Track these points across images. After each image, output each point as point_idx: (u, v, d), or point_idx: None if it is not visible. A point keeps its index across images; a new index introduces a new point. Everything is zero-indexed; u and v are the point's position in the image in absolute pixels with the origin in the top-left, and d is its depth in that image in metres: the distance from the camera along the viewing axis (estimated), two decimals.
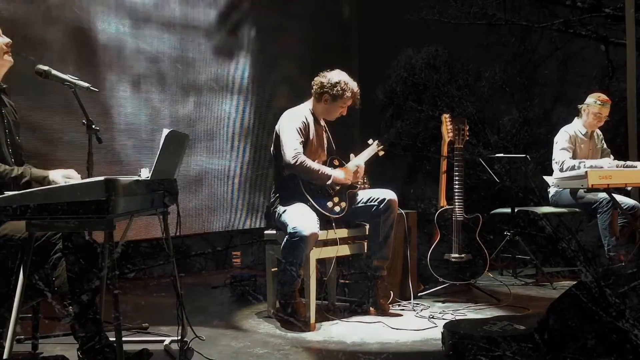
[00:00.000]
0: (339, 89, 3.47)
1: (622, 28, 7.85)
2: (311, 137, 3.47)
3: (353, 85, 3.52)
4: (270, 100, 5.47)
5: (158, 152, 2.32)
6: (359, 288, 3.72)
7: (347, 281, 3.87)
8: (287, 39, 5.63)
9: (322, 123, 3.64)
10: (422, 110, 7.95)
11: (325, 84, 3.49)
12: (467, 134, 3.97)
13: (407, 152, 7.95)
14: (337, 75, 3.51)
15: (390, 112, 8.20)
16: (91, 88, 2.59)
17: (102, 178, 2.08)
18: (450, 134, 3.98)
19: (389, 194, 3.49)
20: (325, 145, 3.63)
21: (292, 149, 3.31)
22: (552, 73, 8.12)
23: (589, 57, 8.04)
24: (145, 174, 2.37)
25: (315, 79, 3.56)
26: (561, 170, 4.41)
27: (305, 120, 3.44)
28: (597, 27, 7.96)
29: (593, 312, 2.18)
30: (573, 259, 4.78)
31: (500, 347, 2.38)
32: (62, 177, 2.39)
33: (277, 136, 3.45)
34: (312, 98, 3.58)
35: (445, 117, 4.03)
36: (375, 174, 3.78)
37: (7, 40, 2.56)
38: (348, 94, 3.49)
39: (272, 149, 3.53)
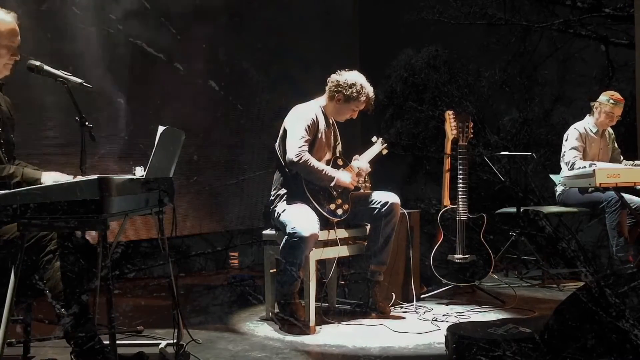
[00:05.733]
0: (354, 91, 3.39)
1: (622, 28, 7.84)
2: (319, 135, 3.39)
3: (369, 90, 3.44)
4: (269, 99, 5.42)
5: (153, 150, 2.26)
6: (359, 289, 3.65)
7: (347, 282, 3.79)
8: (288, 38, 5.58)
9: (332, 121, 3.56)
10: (422, 110, 7.92)
11: (341, 83, 3.41)
12: (472, 131, 3.91)
13: (407, 152, 7.91)
14: (354, 77, 3.43)
15: (390, 112, 8.17)
16: (84, 84, 2.53)
17: (95, 177, 2.04)
18: (454, 131, 3.91)
19: (392, 197, 3.42)
20: (332, 145, 3.55)
21: (296, 146, 3.24)
22: (552, 73, 8.10)
23: (589, 57, 8.02)
24: (140, 172, 2.30)
25: (332, 76, 3.47)
26: (571, 170, 4.34)
27: (314, 118, 3.36)
28: (597, 27, 7.95)
29: (593, 312, 2.15)
30: (573, 259, 4.73)
31: (500, 347, 2.35)
32: (54, 180, 2.32)
33: (285, 131, 3.37)
34: (325, 95, 3.50)
35: (449, 114, 3.96)
36: (376, 174, 3.72)
37: (18, 42, 2.49)
38: (362, 97, 3.41)
39: (276, 144, 3.44)
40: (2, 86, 2.60)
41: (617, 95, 4.53)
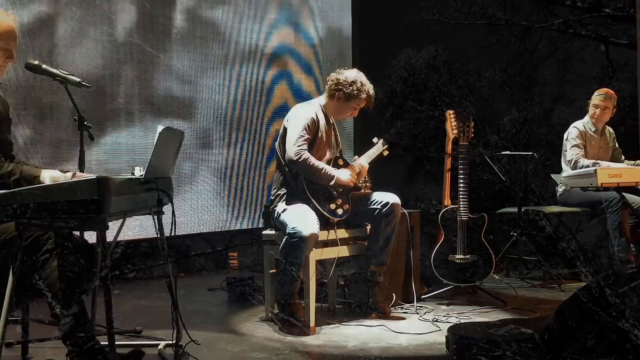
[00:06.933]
0: (355, 88, 3.38)
1: (622, 28, 7.85)
2: (319, 134, 3.37)
3: (369, 87, 3.43)
4: (268, 97, 5.40)
5: (152, 150, 2.24)
6: (359, 289, 3.64)
7: (347, 282, 3.78)
8: (286, 36, 5.57)
9: (332, 121, 3.55)
10: (422, 110, 7.92)
11: (341, 81, 3.39)
12: (472, 130, 3.89)
13: (407, 152, 7.91)
14: (354, 75, 3.42)
15: (390, 112, 8.17)
16: (83, 83, 2.52)
17: (94, 176, 2.03)
18: (455, 131, 3.89)
19: (392, 198, 3.40)
20: (332, 144, 3.53)
21: (296, 145, 3.22)
22: (552, 73, 8.11)
23: (589, 57, 8.03)
24: (139, 172, 2.29)
25: (332, 75, 3.46)
26: (574, 168, 4.34)
27: (315, 117, 3.35)
28: (597, 27, 7.96)
29: (593, 312, 2.15)
30: (573, 259, 4.72)
31: (500, 347, 2.34)
32: (52, 177, 2.30)
33: (285, 130, 3.35)
34: (325, 94, 3.48)
35: (450, 114, 3.94)
36: (376, 174, 3.71)
37: (16, 44, 2.47)
38: (363, 95, 3.40)
39: (276, 143, 3.43)
40: None
41: (604, 89, 4.59)
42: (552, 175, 4.68)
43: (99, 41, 4.30)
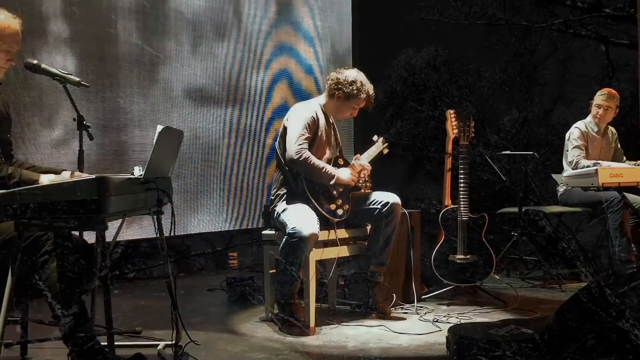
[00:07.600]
0: (355, 88, 3.37)
1: (622, 28, 7.86)
2: (319, 133, 3.37)
3: (369, 87, 3.43)
4: (268, 97, 5.40)
5: (152, 150, 2.24)
6: (359, 289, 3.63)
7: (347, 282, 3.77)
8: (285, 37, 5.57)
9: (332, 120, 3.55)
10: (422, 110, 7.92)
11: (341, 80, 3.39)
12: (473, 130, 3.89)
13: (407, 152, 7.91)
14: (354, 74, 3.42)
15: (390, 112, 8.18)
16: (82, 83, 2.52)
17: (93, 176, 2.03)
18: (455, 130, 3.89)
19: (392, 198, 3.40)
20: (332, 143, 3.53)
21: (297, 144, 3.22)
22: (552, 73, 8.11)
23: (589, 57, 8.04)
24: (138, 172, 2.28)
25: (332, 74, 3.46)
26: (574, 169, 4.33)
27: (315, 116, 3.34)
28: (597, 27, 7.96)
29: (593, 312, 2.15)
30: (573, 259, 4.72)
31: (501, 348, 2.35)
32: (49, 182, 2.29)
33: (285, 129, 3.35)
34: (325, 94, 3.48)
35: (450, 113, 3.94)
36: (376, 173, 3.70)
37: (18, 47, 2.47)
38: (363, 95, 3.40)
39: (276, 142, 3.43)
40: None
41: (607, 89, 4.58)
42: (553, 175, 4.68)
43: (99, 40, 4.30)
